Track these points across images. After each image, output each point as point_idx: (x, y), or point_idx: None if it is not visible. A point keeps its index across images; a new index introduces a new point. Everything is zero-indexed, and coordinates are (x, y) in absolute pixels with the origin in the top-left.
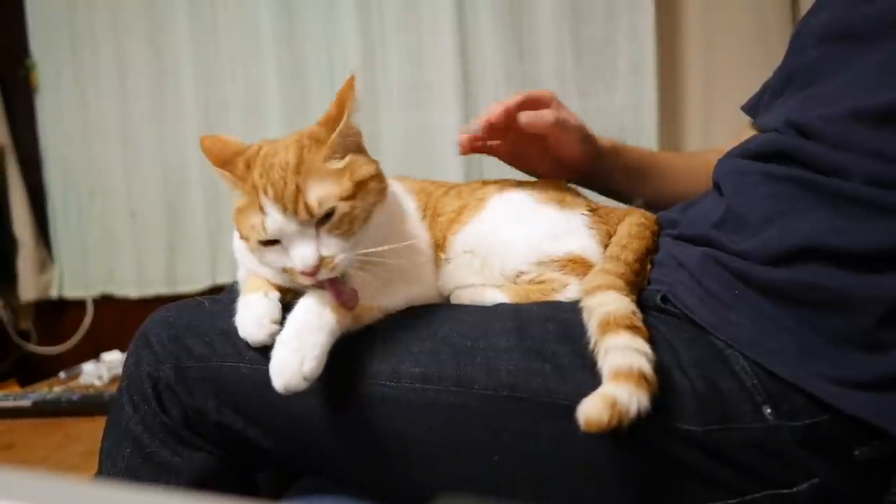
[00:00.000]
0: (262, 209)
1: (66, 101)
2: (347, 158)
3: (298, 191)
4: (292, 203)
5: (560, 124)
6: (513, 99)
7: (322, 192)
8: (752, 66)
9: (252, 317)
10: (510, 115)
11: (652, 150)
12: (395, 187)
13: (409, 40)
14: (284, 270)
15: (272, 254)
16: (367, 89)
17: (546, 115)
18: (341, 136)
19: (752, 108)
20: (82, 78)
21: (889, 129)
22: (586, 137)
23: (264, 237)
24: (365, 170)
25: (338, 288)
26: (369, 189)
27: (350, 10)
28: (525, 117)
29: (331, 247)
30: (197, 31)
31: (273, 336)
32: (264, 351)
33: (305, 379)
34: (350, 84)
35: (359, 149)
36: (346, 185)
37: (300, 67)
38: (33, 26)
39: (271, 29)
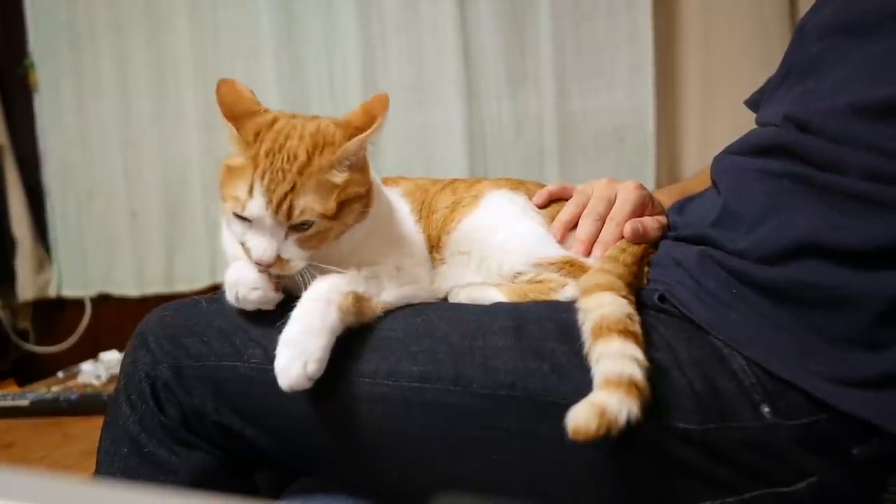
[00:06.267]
0: (251, 189)
1: (65, 101)
2: (345, 175)
3: (292, 191)
4: (279, 200)
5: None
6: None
7: (309, 203)
8: (751, 65)
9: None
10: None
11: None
12: (390, 194)
13: (410, 40)
14: (242, 243)
15: (240, 226)
16: (367, 89)
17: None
18: (353, 150)
19: (754, 103)
20: (82, 78)
21: (887, 122)
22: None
23: (241, 213)
24: (353, 190)
25: (276, 281)
26: (351, 209)
27: (350, 9)
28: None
29: (292, 252)
30: (197, 31)
31: (262, 302)
32: (263, 351)
33: (310, 380)
34: (383, 101)
35: (362, 164)
36: (331, 205)
37: (299, 68)
38: (33, 26)
39: (270, 29)
